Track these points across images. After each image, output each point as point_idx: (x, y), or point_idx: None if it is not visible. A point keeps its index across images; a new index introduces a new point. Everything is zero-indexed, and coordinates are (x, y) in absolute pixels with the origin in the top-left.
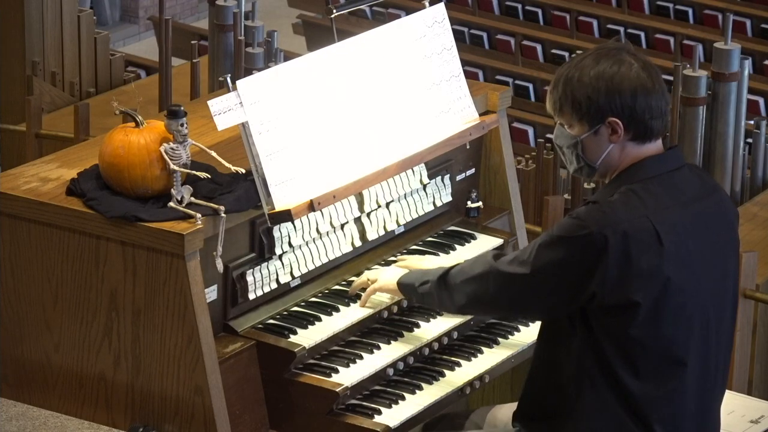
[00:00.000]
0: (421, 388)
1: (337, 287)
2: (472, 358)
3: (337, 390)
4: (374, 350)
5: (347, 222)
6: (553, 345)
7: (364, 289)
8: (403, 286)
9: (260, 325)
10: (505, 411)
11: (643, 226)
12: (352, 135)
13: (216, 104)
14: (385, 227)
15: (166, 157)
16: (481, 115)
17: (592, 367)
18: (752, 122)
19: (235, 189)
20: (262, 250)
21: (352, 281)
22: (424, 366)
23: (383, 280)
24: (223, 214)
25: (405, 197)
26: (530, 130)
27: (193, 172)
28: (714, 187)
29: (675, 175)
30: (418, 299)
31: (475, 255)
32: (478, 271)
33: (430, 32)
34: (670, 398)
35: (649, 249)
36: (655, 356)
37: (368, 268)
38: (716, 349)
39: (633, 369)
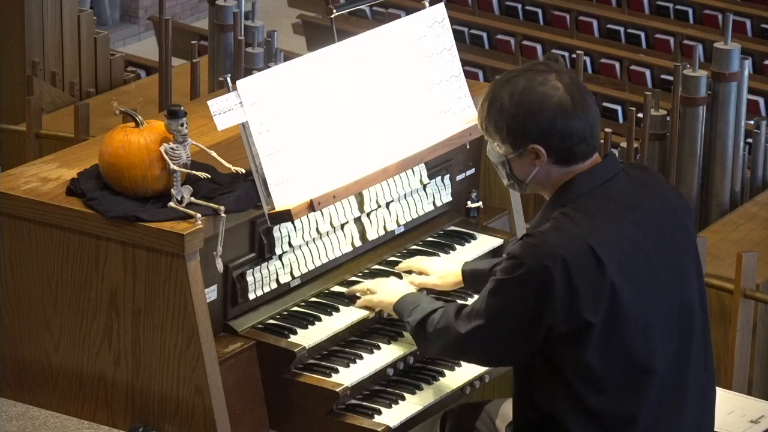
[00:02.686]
0: (421, 388)
1: (337, 287)
2: None
3: (337, 390)
4: (374, 350)
5: (347, 222)
6: (522, 377)
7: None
8: (397, 312)
9: (260, 325)
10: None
11: (580, 248)
12: (352, 135)
13: (216, 104)
14: (385, 227)
15: (166, 157)
16: None
17: (559, 391)
18: (752, 122)
19: (235, 189)
20: (262, 250)
21: (353, 281)
22: (424, 366)
23: (382, 296)
24: (223, 214)
25: (405, 197)
26: None
27: (193, 172)
28: (656, 186)
29: (609, 187)
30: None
31: (473, 257)
32: (443, 326)
33: (430, 32)
34: (640, 407)
35: (589, 270)
36: (616, 371)
37: (368, 269)
38: (686, 348)
39: (598, 389)
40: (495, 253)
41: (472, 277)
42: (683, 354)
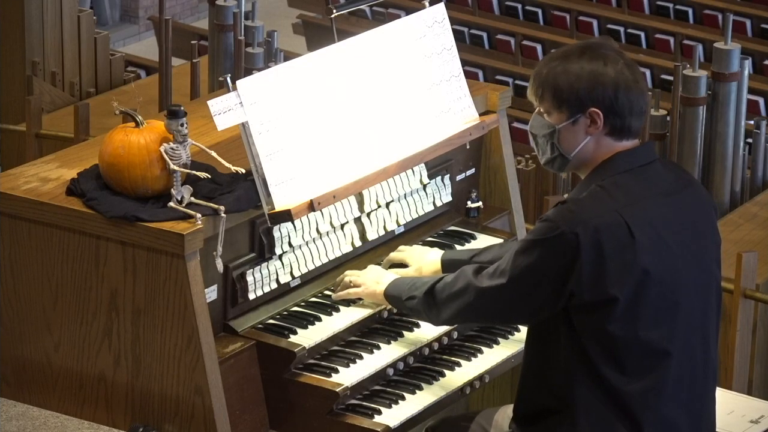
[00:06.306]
0: (421, 388)
1: None
2: (472, 358)
3: (337, 390)
4: (374, 350)
5: (347, 222)
6: (540, 346)
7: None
8: (389, 297)
9: (260, 325)
10: (509, 412)
11: (614, 220)
12: (352, 135)
13: (216, 104)
14: (385, 227)
15: (166, 157)
16: (481, 115)
17: (577, 365)
18: (752, 122)
19: (235, 189)
20: (262, 250)
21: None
22: (424, 366)
23: (367, 287)
24: (223, 214)
25: (405, 197)
26: None
27: (193, 172)
28: (689, 181)
29: (647, 170)
30: (405, 311)
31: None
32: (460, 287)
33: (430, 32)
34: (656, 390)
35: (621, 243)
36: (637, 350)
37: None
38: (703, 340)
39: (617, 365)
40: None
41: (450, 267)
42: (699, 346)
